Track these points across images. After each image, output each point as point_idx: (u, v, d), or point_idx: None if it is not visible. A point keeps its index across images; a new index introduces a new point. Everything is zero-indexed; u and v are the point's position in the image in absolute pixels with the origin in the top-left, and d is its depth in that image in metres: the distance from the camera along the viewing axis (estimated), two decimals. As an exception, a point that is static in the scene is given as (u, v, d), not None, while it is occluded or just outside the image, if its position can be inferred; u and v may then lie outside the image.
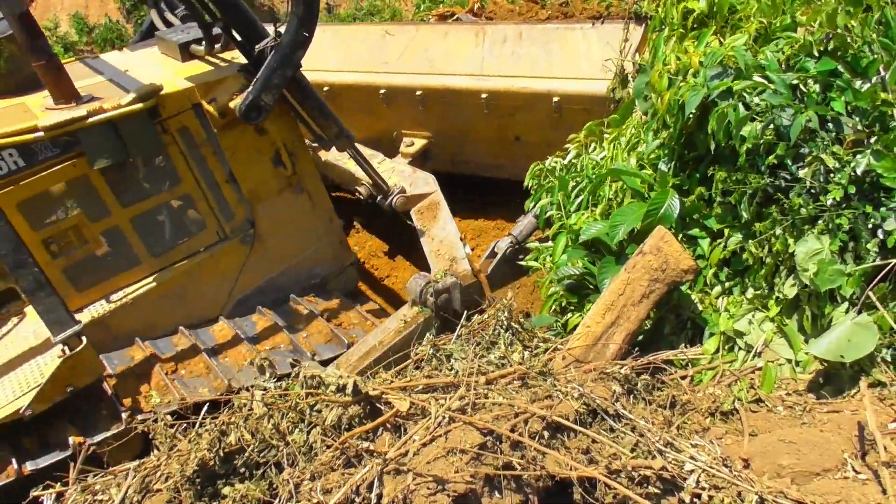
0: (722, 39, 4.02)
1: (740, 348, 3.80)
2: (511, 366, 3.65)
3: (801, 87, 3.55)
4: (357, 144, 5.94)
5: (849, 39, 3.53)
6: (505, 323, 4.06)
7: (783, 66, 3.69)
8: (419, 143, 6.36)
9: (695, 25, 4.26)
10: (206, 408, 3.36)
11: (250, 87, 4.80)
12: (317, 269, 5.99)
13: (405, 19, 11.11)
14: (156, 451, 3.25)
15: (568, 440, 3.06)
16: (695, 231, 4.06)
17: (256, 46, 4.82)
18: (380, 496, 2.73)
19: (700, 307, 3.99)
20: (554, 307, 4.55)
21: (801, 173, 3.45)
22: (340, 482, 2.80)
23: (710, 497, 2.78)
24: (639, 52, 5.01)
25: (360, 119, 6.54)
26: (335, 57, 6.43)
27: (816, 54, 3.62)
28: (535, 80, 5.45)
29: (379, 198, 5.74)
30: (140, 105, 4.70)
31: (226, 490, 3.00)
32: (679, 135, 4.05)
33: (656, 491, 2.87)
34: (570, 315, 4.39)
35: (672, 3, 4.36)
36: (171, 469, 3.03)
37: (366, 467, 2.82)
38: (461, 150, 6.35)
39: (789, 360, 3.64)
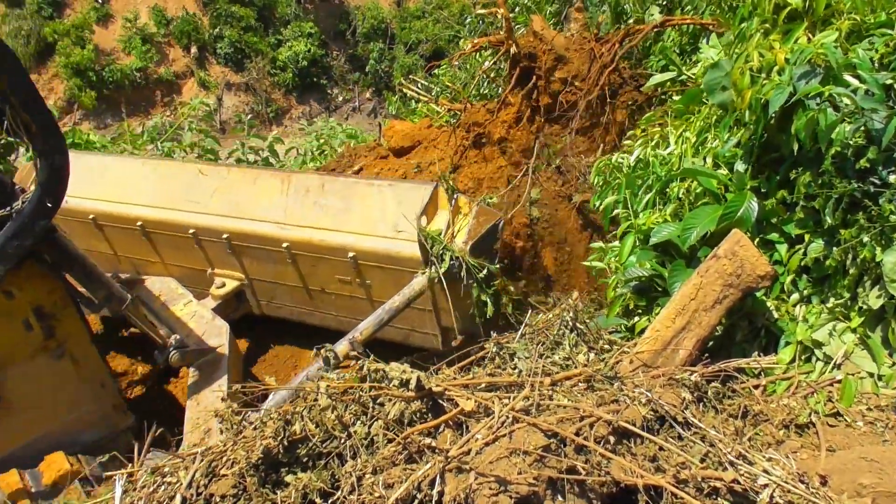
0: (811, 36, 3.84)
1: (818, 359, 3.64)
2: (576, 367, 3.59)
3: (896, 87, 3.37)
4: (172, 279, 5.77)
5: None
6: (570, 323, 3.98)
7: (876, 65, 3.50)
8: (231, 284, 6.22)
9: (785, 20, 4.07)
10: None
11: None
12: (83, 436, 5.49)
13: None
14: (221, 437, 3.31)
15: (634, 446, 2.98)
16: (773, 236, 3.90)
17: None
18: (441, 494, 2.71)
19: (776, 315, 3.83)
20: (620, 309, 4.46)
21: (893, 179, 3.27)
22: (402, 477, 2.79)
23: (785, 514, 2.67)
24: (425, 213, 4.91)
25: (176, 256, 6.45)
26: (150, 192, 6.32)
27: (914, 53, 3.43)
28: (333, 233, 5.35)
29: (155, 352, 5.37)
30: None
31: (289, 478, 3.03)
32: (759, 135, 3.89)
33: (725, 503, 2.77)
34: (637, 318, 4.29)
35: (765, -7, 4.16)
36: (236, 455, 3.07)
37: (428, 464, 2.81)
38: (273, 294, 6.22)
39: (871, 374, 3.47)
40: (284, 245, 5.50)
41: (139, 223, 6.21)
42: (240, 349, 6.04)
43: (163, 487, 3.13)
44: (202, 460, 3.15)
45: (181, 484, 3.06)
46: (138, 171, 6.39)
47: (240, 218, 5.76)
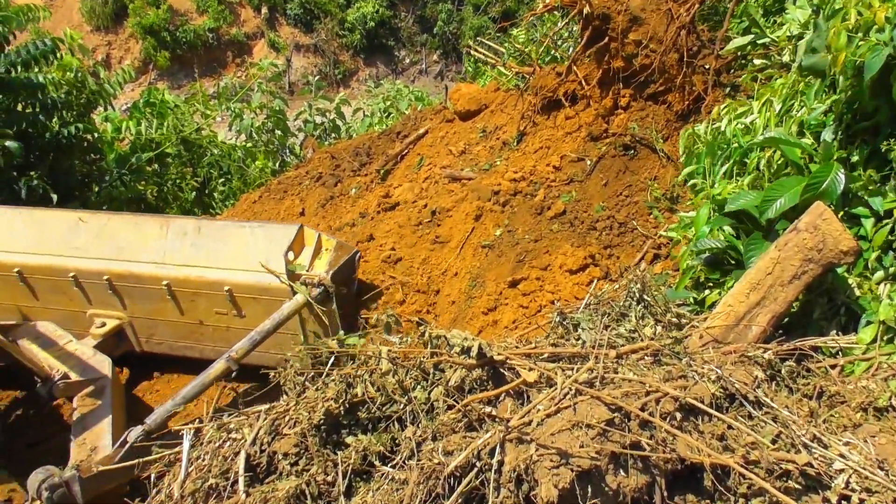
0: (915, -7, 3.55)
1: (902, 341, 3.44)
2: (642, 340, 3.49)
3: None
4: (50, 323, 6.00)
5: None
6: (637, 295, 3.86)
7: None
8: (111, 323, 6.45)
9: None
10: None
11: None
12: None
13: None
14: (285, 397, 3.36)
15: (702, 424, 2.88)
16: (859, 210, 3.68)
17: None
18: (501, 463, 2.68)
19: (858, 293, 3.63)
20: (689, 282, 4.31)
21: None
22: (462, 445, 2.78)
23: (862, 500, 2.55)
24: (292, 249, 5.48)
25: (55, 300, 6.70)
26: (28, 239, 6.58)
27: None
28: (209, 269, 5.87)
29: (38, 385, 5.40)
30: None
31: (349, 440, 3.06)
32: (852, 101, 3.65)
33: (797, 486, 2.66)
34: (708, 291, 4.14)
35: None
36: (299, 415, 3.12)
37: (488, 433, 2.78)
38: (153, 331, 6.58)
39: (960, 359, 3.26)
40: (164, 283, 5.97)
41: (16, 269, 6.50)
42: (121, 382, 6.28)
43: (228, 443, 3.21)
44: (266, 419, 3.21)
45: (245, 441, 3.13)
46: (13, 219, 6.73)
47: (120, 260, 6.20)
